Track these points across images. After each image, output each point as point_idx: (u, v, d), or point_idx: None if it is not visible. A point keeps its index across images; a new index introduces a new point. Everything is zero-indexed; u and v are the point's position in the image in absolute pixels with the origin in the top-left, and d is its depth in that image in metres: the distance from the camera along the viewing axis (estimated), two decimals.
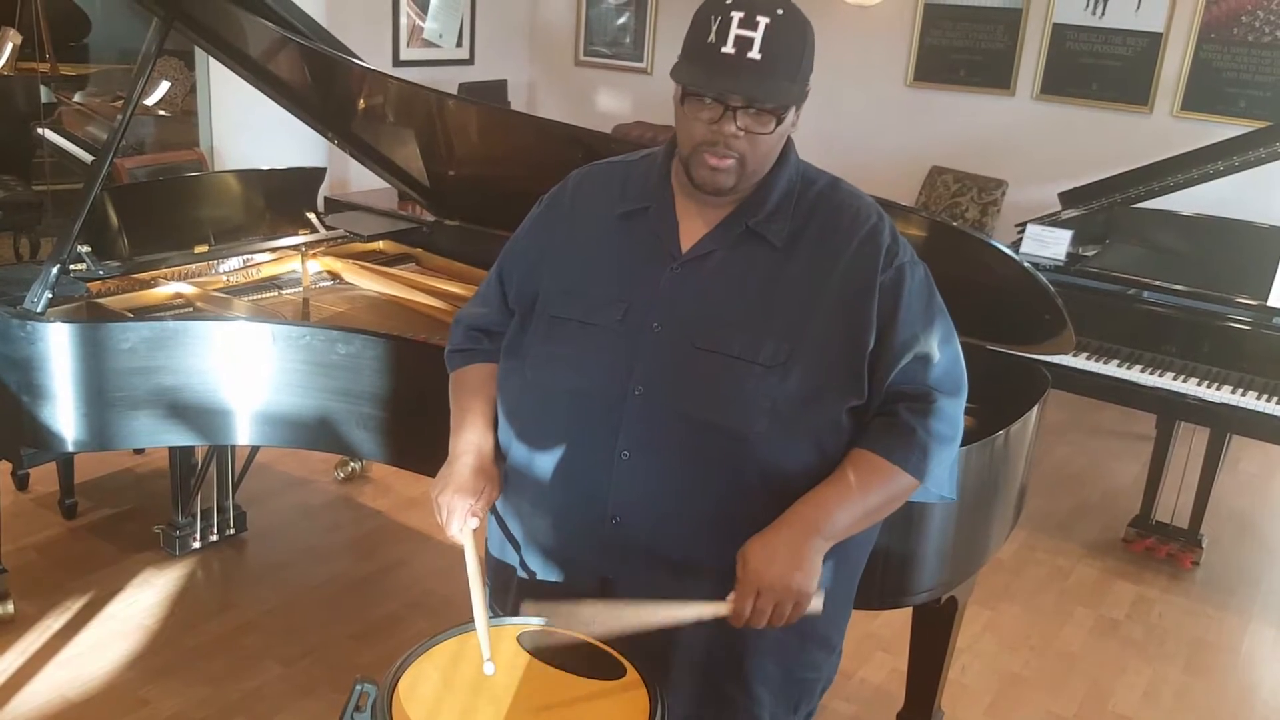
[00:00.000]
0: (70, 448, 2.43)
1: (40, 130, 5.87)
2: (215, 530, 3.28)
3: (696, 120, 1.38)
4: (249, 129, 5.23)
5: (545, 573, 1.56)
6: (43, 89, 6.46)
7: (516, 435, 1.55)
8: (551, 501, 1.52)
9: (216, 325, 2.41)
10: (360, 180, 5.24)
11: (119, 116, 2.60)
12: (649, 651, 1.44)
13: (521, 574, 1.59)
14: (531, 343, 1.53)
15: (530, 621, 1.41)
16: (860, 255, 1.45)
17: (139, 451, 3.79)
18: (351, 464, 3.82)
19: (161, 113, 5.77)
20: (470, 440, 1.56)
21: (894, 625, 3.11)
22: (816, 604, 1.39)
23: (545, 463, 1.51)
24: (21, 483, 3.52)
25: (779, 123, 1.39)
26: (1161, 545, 3.72)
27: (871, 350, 1.43)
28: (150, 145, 5.75)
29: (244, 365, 2.41)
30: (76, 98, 6.33)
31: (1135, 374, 3.53)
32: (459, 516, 1.50)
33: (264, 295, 2.95)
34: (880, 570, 2.09)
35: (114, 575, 3.10)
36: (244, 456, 3.45)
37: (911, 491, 1.47)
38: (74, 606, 2.93)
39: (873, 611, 3.06)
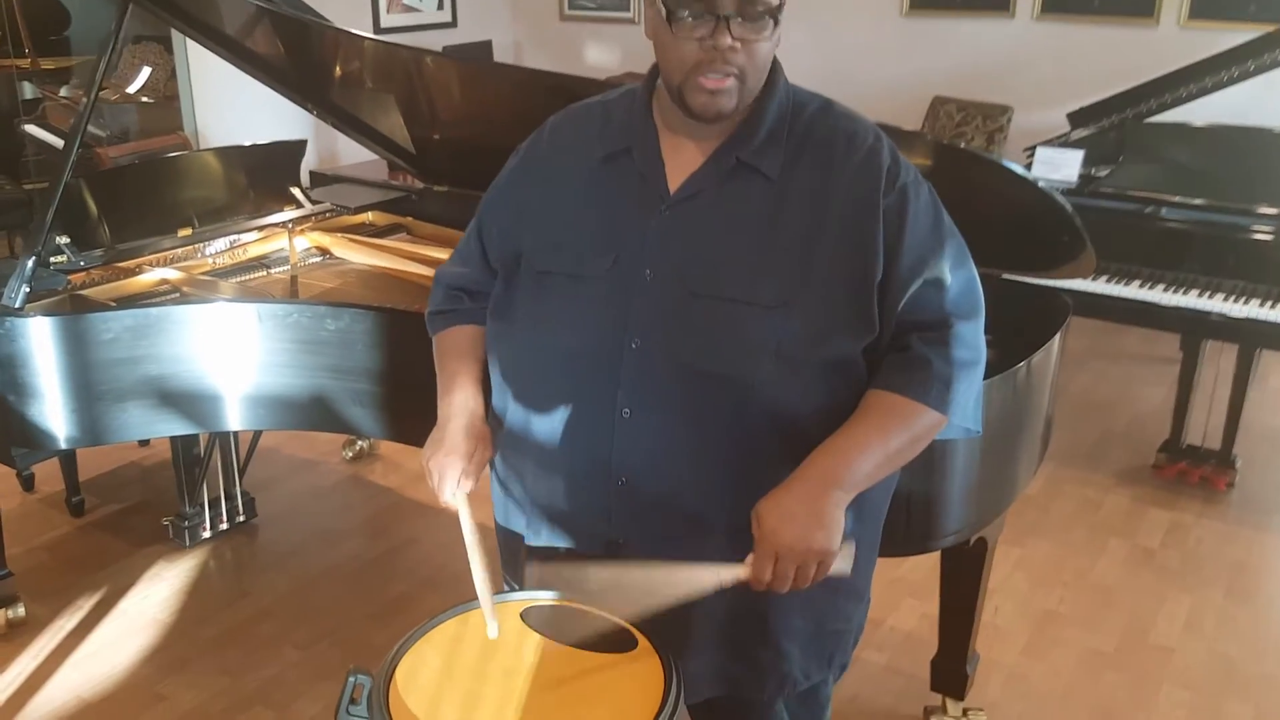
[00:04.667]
0: (63, 445, 2.36)
1: (25, 127, 5.78)
2: (225, 518, 3.22)
3: (688, 41, 1.28)
4: (233, 109, 5.12)
5: (553, 538, 1.48)
6: (26, 85, 6.37)
7: (514, 398, 1.46)
8: (555, 465, 1.43)
9: (200, 309, 2.32)
10: (349, 153, 5.14)
11: (84, 100, 2.50)
12: (665, 614, 1.36)
13: (529, 540, 1.51)
14: (520, 302, 1.44)
15: (535, 596, 1.33)
16: (859, 180, 1.34)
17: (144, 443, 3.73)
18: (359, 443, 3.75)
19: (145, 99, 5.66)
20: (458, 402, 1.47)
21: (922, 569, 3.03)
22: (844, 564, 1.30)
23: (545, 426, 1.42)
24: (28, 484, 3.47)
25: (775, 24, 1.29)
26: (1194, 469, 3.62)
27: (879, 280, 1.33)
28: (135, 133, 5.66)
29: (232, 348, 2.32)
30: (63, 92, 6.22)
31: (1157, 294, 3.41)
32: (451, 480, 1.43)
33: (252, 276, 2.86)
34: (904, 515, 2.00)
35: (125, 571, 3.05)
36: (248, 442, 3.38)
37: (937, 428, 1.38)
38: (86, 605, 2.88)
39: (899, 558, 3.01)
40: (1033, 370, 2.14)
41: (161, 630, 2.79)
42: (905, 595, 3.00)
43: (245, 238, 2.98)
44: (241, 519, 3.27)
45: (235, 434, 3.20)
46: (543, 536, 1.49)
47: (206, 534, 3.19)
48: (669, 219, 1.36)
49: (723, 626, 1.43)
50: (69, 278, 2.58)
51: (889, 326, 1.36)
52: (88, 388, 2.27)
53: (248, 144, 3.32)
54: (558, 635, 1.25)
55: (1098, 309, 3.53)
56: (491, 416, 1.51)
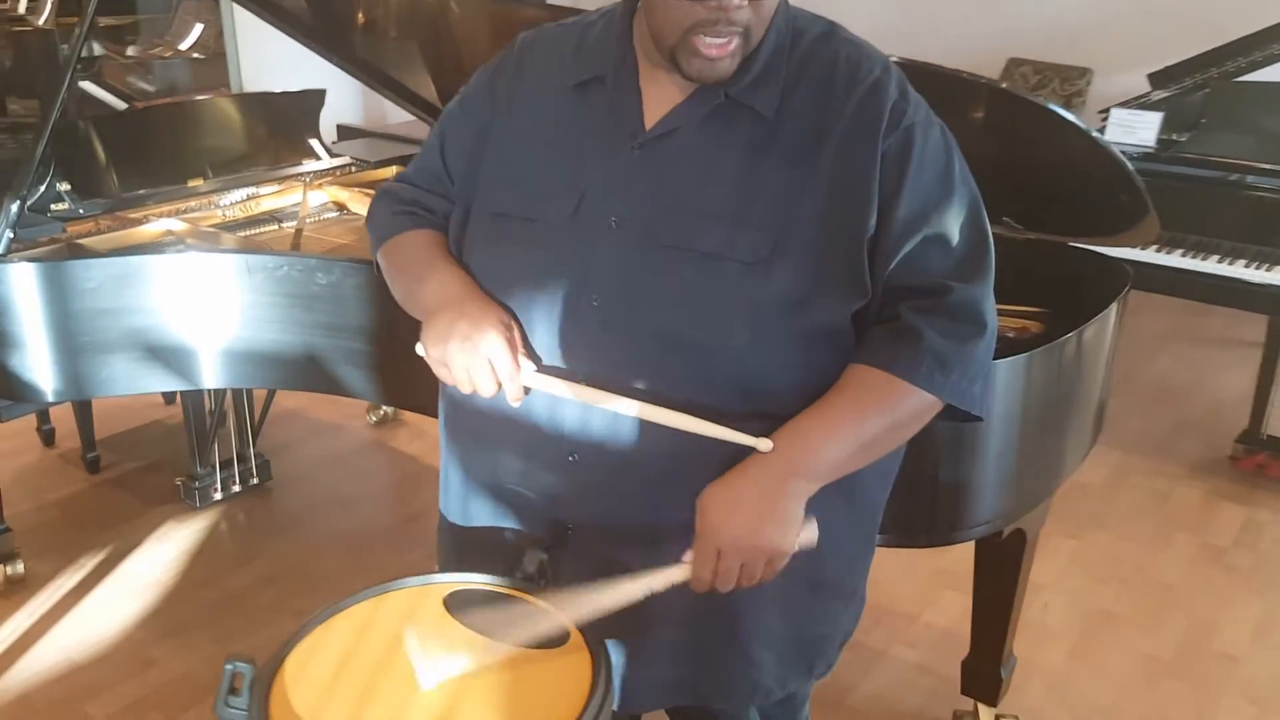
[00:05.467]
0: (50, 398, 2.27)
1: (80, 84, 5.76)
2: (237, 480, 3.12)
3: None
4: (278, 66, 5.02)
5: (495, 521, 1.31)
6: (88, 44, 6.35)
7: None
8: (499, 438, 1.27)
9: (185, 259, 2.20)
10: (399, 113, 5.02)
11: (77, 30, 2.39)
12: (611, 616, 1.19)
13: (466, 522, 1.35)
14: (471, 246, 1.27)
15: (467, 580, 1.17)
16: (860, 118, 1.15)
17: (169, 401, 3.67)
18: (384, 407, 3.63)
19: (195, 55, 5.62)
20: (455, 277, 1.25)
21: (965, 561, 2.77)
22: (809, 535, 1.13)
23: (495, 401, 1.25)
24: (48, 438, 3.42)
25: None
26: (1273, 462, 3.33)
27: (872, 235, 1.14)
28: (183, 89, 5.61)
29: (220, 301, 2.20)
30: (130, 51, 6.22)
31: (1239, 270, 3.12)
32: (505, 355, 1.16)
33: (263, 230, 2.74)
34: (928, 500, 1.81)
35: (133, 530, 2.97)
36: (263, 402, 3.28)
37: (929, 413, 1.18)
38: (89, 564, 2.81)
39: (938, 548, 2.80)
40: (1084, 343, 1.91)
41: (161, 592, 2.71)
42: (946, 588, 2.78)
43: (260, 190, 2.87)
44: (255, 482, 3.17)
45: (249, 394, 3.10)
46: (478, 516, 1.32)
47: (218, 496, 3.10)
48: (641, 158, 1.18)
49: (685, 628, 1.25)
50: (66, 226, 2.48)
51: (878, 291, 1.16)
52: (70, 338, 2.17)
53: (265, 91, 3.20)
54: (483, 626, 1.09)
55: (1175, 286, 3.25)
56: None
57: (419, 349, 1.21)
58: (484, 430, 1.28)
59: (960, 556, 2.81)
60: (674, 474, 1.18)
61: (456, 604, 1.12)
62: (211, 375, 2.23)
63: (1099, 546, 2.99)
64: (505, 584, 1.15)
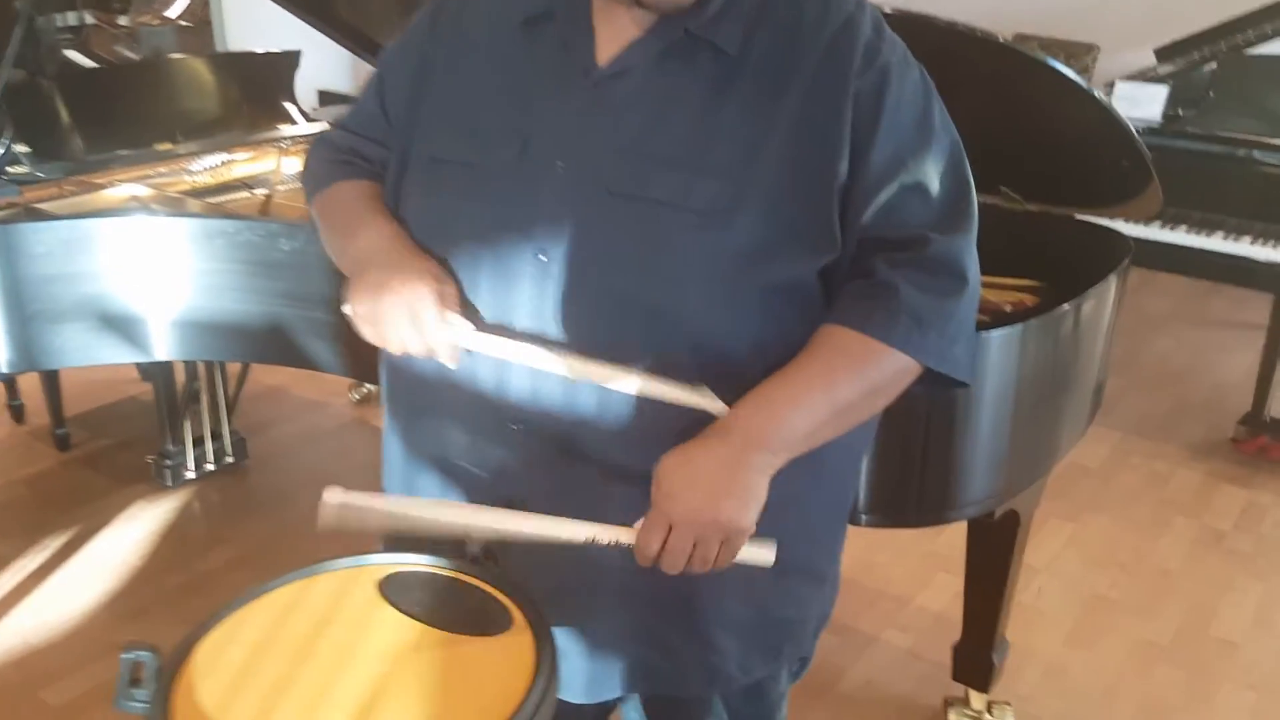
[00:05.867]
0: (3, 369, 2.17)
1: (64, 52, 5.66)
2: (211, 459, 3.03)
3: None
4: (264, 36, 4.90)
5: (433, 496, 1.22)
6: (77, 13, 6.23)
7: None
8: (440, 409, 1.18)
9: (141, 222, 2.10)
10: None
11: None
12: (565, 589, 1.10)
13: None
14: (408, 196, 1.17)
15: (403, 560, 1.08)
16: (830, 57, 1.05)
17: (145, 376, 3.57)
18: (367, 384, 3.54)
19: (182, 23, 5.50)
20: (386, 230, 1.15)
21: (958, 543, 2.69)
22: (766, 554, 1.04)
23: (432, 363, 1.16)
24: (17, 414, 3.33)
25: None
26: (1275, 444, 3.24)
27: (843, 183, 1.04)
28: None
29: (177, 267, 2.10)
30: (121, 20, 6.09)
31: (1245, 247, 3.03)
32: (430, 309, 1.06)
33: (234, 197, 2.64)
34: (916, 478, 1.72)
35: (102, 510, 2.88)
36: (238, 377, 3.19)
37: (909, 376, 1.08)
38: (54, 545, 2.72)
39: (930, 529, 2.71)
40: (1081, 317, 1.82)
41: (128, 575, 2.62)
42: (938, 570, 2.70)
43: (232, 156, 2.77)
44: (230, 460, 3.08)
45: (223, 369, 3.01)
46: (422, 492, 1.23)
47: (191, 474, 3.01)
48: (592, 98, 1.08)
49: (638, 611, 1.16)
50: (22, 190, 2.38)
51: (850, 244, 1.06)
52: (20, 306, 2.07)
53: (238, 51, 3.10)
54: (420, 610, 1.00)
55: (1179, 263, 3.16)
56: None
57: (345, 307, 1.12)
58: (425, 399, 1.19)
59: (953, 539, 2.73)
60: (631, 446, 1.08)
61: (392, 588, 1.03)
62: (169, 346, 2.14)
63: (1096, 529, 2.90)
64: (447, 566, 1.06)
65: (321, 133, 1.32)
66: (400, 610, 1.00)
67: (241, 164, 2.77)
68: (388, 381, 1.25)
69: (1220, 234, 3.07)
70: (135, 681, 0.90)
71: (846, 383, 1.04)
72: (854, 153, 1.03)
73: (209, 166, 2.72)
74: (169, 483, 2.98)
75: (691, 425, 1.04)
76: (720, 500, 0.98)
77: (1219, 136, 3.18)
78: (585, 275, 1.06)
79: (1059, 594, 2.63)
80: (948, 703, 2.19)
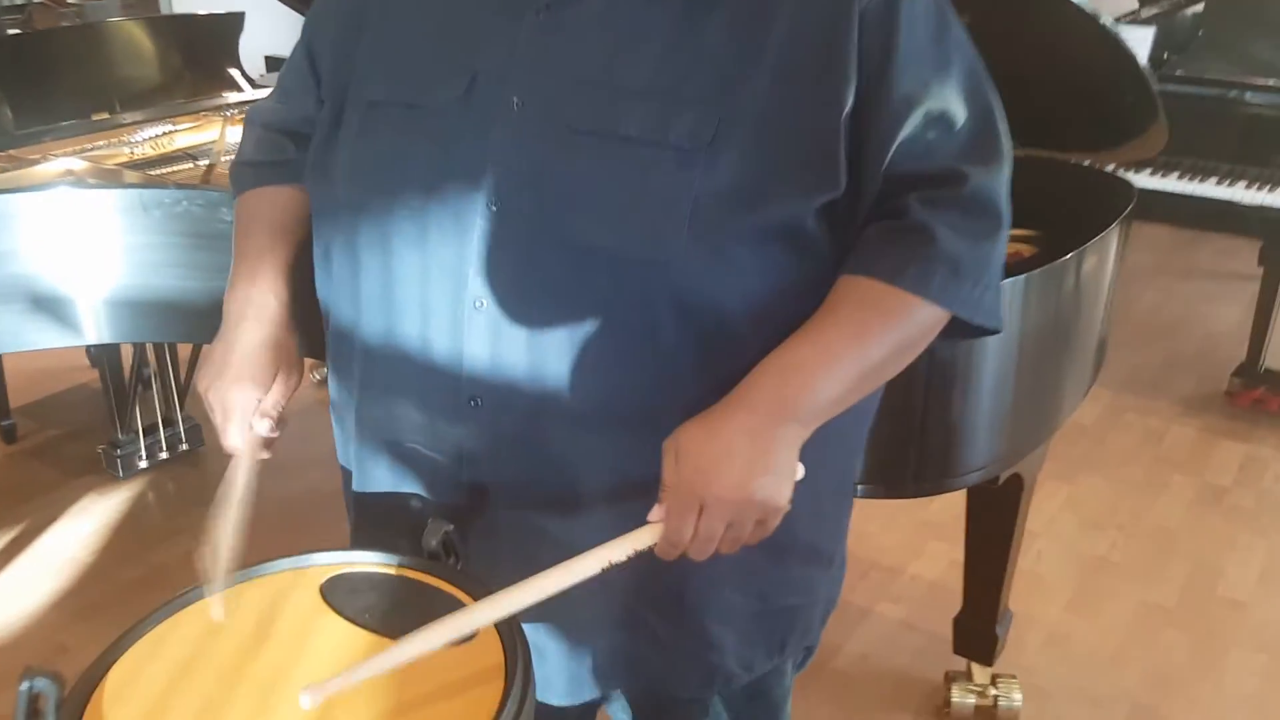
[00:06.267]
0: None
1: (9, 31, 5.43)
2: (164, 447, 2.88)
3: None
4: (211, 2, 4.72)
5: (392, 483, 1.08)
6: None
7: (337, 286, 1.06)
8: (388, 380, 1.04)
9: (69, 195, 1.94)
10: None
11: None
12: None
13: (358, 486, 1.12)
14: (342, 151, 1.03)
15: (348, 559, 0.94)
16: None
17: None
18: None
19: None
20: (255, 299, 1.06)
21: (951, 509, 2.61)
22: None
23: (374, 326, 1.03)
24: None
25: None
26: (1272, 396, 3.15)
27: (852, 113, 0.90)
28: None
29: (111, 243, 1.94)
30: None
31: (1239, 192, 2.91)
32: (239, 419, 1.03)
33: (178, 168, 2.48)
34: (915, 446, 1.60)
35: (51, 504, 2.73)
36: (189, 362, 3.03)
37: (939, 327, 0.95)
38: (1, 541, 2.57)
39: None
40: (1084, 267, 1.70)
41: (79, 571, 2.47)
42: (930, 538, 2.59)
43: (175, 126, 2.60)
44: (185, 448, 2.93)
45: (173, 351, 2.85)
46: (377, 481, 1.10)
47: (143, 464, 2.85)
48: (547, 23, 0.94)
49: (623, 601, 1.03)
50: None
51: (872, 184, 0.93)
52: None
53: (178, 13, 2.92)
54: (369, 617, 0.87)
55: (1170, 212, 3.05)
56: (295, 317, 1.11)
57: None
58: (373, 373, 1.05)
59: (945, 505, 2.62)
60: (604, 423, 0.95)
61: (336, 592, 0.90)
62: (103, 328, 1.98)
63: (1093, 490, 2.80)
64: (399, 564, 0.93)
65: (250, 111, 1.19)
66: (346, 618, 0.87)
67: (184, 133, 2.61)
68: (331, 352, 1.12)
69: (1214, 179, 2.96)
70: (35, 716, 0.76)
71: (879, 342, 0.91)
72: (867, 80, 0.89)
73: (150, 137, 2.56)
74: (121, 473, 2.83)
75: (681, 403, 0.91)
76: (758, 478, 0.86)
77: (1209, 79, 3.06)
78: (546, 227, 0.92)
79: (1058, 558, 2.52)
80: (949, 677, 2.08)
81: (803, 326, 0.92)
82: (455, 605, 0.87)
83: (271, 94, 1.18)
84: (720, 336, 0.92)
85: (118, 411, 2.78)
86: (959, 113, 0.93)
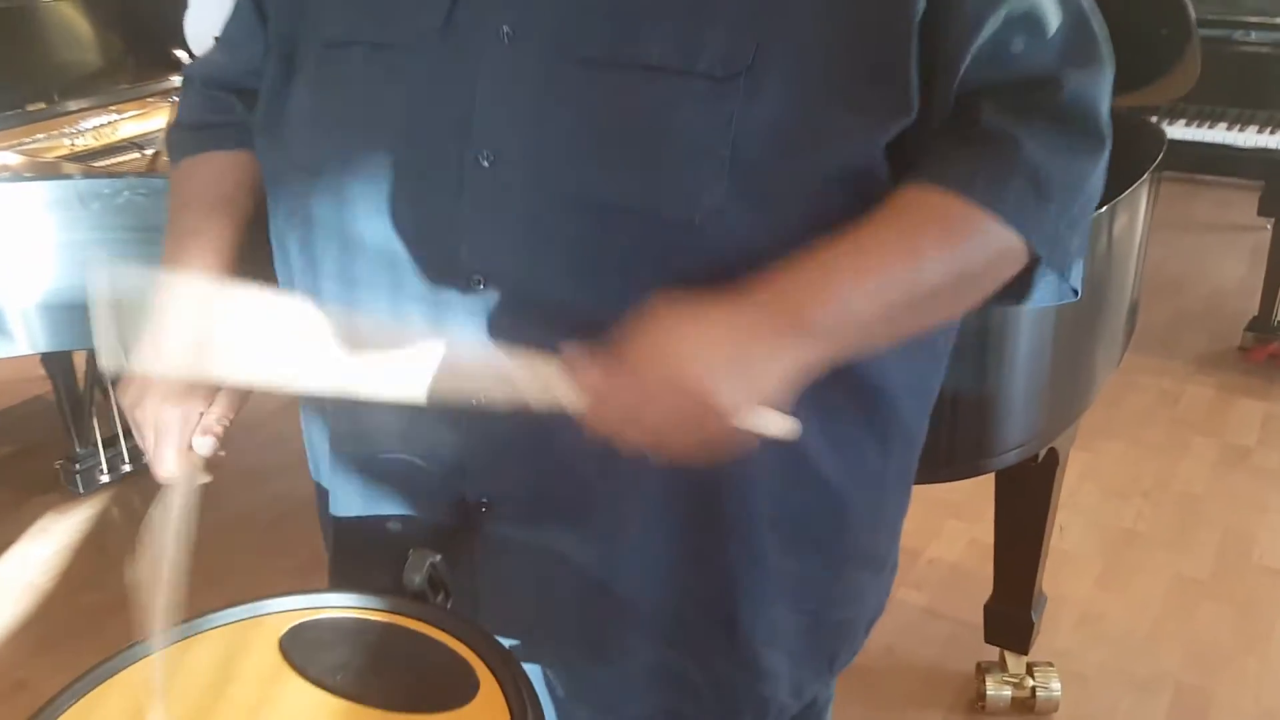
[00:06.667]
0: None
1: None
2: (127, 459, 2.70)
3: None
4: None
5: (371, 503, 0.92)
6: None
7: (299, 266, 0.89)
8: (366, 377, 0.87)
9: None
10: None
11: None
12: (552, 625, 0.81)
13: (334, 509, 0.96)
14: (297, 101, 0.86)
15: (316, 604, 0.78)
16: None
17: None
18: None
19: None
20: (188, 292, 0.89)
21: (966, 485, 2.46)
22: (785, 421, 0.71)
23: (347, 310, 0.85)
24: None
25: None
26: None
27: (925, 19, 0.72)
28: None
29: (46, 242, 1.76)
30: None
31: (1250, 136, 2.77)
32: (172, 440, 0.86)
33: (124, 159, 2.29)
34: (946, 425, 1.44)
35: (7, 527, 2.54)
36: None
37: (1004, 264, 0.75)
38: None
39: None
40: (1118, 220, 1.55)
41: (37, 598, 2.29)
42: (947, 517, 2.44)
43: (120, 115, 2.41)
44: (149, 459, 2.74)
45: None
46: (354, 503, 0.93)
47: (105, 478, 2.67)
48: None
49: (662, 645, 0.87)
50: None
51: (945, 100, 0.75)
52: None
53: None
54: (340, 678, 0.70)
55: (1173, 160, 2.90)
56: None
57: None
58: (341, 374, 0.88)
59: (961, 481, 2.48)
60: None
61: (299, 646, 0.73)
62: (41, 336, 1.80)
63: (1112, 457, 2.66)
64: (375, 607, 0.76)
65: (190, 64, 1.01)
66: (310, 680, 0.70)
67: (129, 121, 2.42)
68: None
69: (1223, 125, 2.81)
70: None
71: (934, 259, 0.72)
72: None
73: (92, 127, 2.38)
74: (81, 489, 2.64)
75: None
76: (721, 372, 0.67)
77: (1208, 20, 2.91)
78: (551, 183, 0.75)
79: (1083, 532, 2.39)
80: (982, 669, 1.94)
81: (841, 230, 0.73)
82: (448, 656, 0.71)
83: (213, 47, 1.00)
84: None
85: (74, 423, 2.60)
86: (1049, 12, 0.74)
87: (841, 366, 0.76)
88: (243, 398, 0.90)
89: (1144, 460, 2.65)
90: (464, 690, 0.68)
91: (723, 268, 0.73)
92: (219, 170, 0.94)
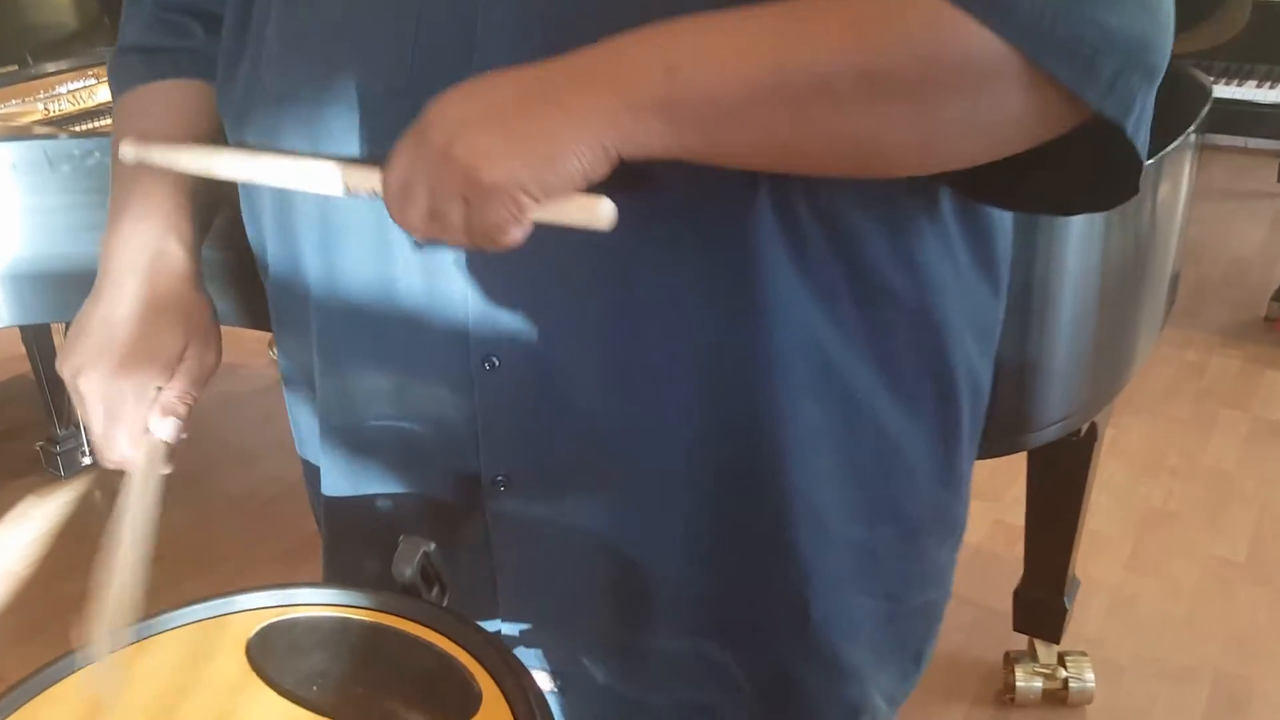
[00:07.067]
0: None
1: None
2: None
3: None
4: None
5: (362, 481, 0.80)
6: None
7: (272, 215, 0.77)
8: (358, 340, 0.75)
9: None
10: None
11: None
12: (572, 614, 0.71)
13: (326, 489, 0.84)
14: (266, 11, 0.74)
15: (287, 601, 0.66)
16: None
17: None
18: None
19: None
20: (146, 243, 0.77)
21: (987, 464, 2.36)
22: (598, 207, 0.56)
23: (330, 263, 0.73)
24: None
25: None
26: None
27: None
28: None
29: (10, 207, 1.65)
30: None
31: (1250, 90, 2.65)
32: (130, 418, 0.74)
33: (100, 124, 2.17)
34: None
35: None
36: None
37: (983, 83, 0.53)
38: None
39: None
40: (1163, 178, 1.44)
41: (16, 587, 2.19)
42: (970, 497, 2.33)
43: (98, 79, 2.30)
44: None
45: None
46: (344, 481, 0.81)
47: (87, 460, 2.56)
48: None
49: (702, 623, 0.76)
50: None
51: None
52: None
53: None
54: (316, 689, 0.59)
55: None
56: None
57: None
58: (334, 329, 0.76)
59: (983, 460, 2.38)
60: (663, 390, 0.67)
61: (268, 652, 0.62)
62: (5, 309, 1.69)
63: (1138, 433, 2.55)
64: (359, 604, 0.65)
65: None
66: (282, 692, 0.59)
67: (107, 85, 2.30)
68: (275, 313, 0.84)
69: (1252, 82, 2.69)
70: None
71: (833, 41, 0.53)
72: None
73: (68, 91, 2.26)
74: (62, 472, 2.53)
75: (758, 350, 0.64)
76: (476, 131, 0.55)
77: None
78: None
79: (1111, 511, 2.28)
80: (1010, 658, 1.83)
81: None
82: (444, 663, 0.60)
83: None
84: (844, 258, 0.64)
85: (54, 403, 2.49)
86: None
87: (893, 298, 0.66)
88: (208, 373, 0.78)
89: (1171, 435, 2.54)
90: (464, 704, 0.57)
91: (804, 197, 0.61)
92: (178, 103, 0.82)
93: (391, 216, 0.60)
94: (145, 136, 0.75)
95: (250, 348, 3.12)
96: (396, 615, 0.63)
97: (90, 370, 0.73)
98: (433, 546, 0.66)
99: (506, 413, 0.71)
